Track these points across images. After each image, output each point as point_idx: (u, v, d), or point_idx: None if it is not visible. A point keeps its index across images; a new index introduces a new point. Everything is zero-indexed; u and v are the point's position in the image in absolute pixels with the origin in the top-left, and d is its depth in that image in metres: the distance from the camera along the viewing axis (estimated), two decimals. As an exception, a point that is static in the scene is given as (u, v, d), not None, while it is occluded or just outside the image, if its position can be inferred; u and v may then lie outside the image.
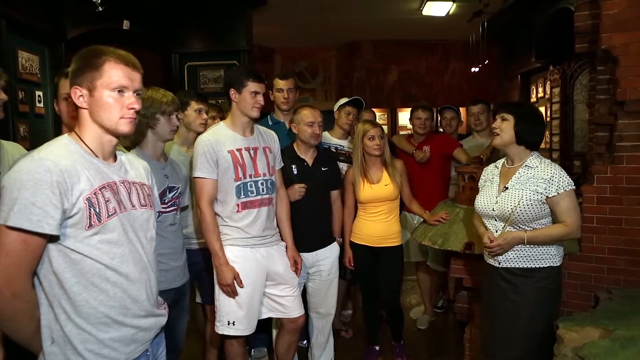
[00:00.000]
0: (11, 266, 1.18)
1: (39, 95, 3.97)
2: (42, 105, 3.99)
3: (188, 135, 2.68)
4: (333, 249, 2.81)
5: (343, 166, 3.11)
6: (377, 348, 3.12)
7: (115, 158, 1.41)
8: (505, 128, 2.07)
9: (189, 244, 2.52)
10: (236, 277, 2.23)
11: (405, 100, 8.27)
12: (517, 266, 2.06)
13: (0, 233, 1.17)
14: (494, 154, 3.17)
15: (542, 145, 5.84)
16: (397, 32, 7.46)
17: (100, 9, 4.21)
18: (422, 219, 2.93)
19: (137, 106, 1.33)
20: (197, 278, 2.62)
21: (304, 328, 2.62)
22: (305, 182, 2.68)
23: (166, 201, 2.13)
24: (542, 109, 6.07)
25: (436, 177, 3.45)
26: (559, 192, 1.99)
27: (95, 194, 1.26)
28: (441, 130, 3.91)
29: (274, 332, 2.78)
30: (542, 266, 2.04)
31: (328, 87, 8.85)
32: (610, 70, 2.48)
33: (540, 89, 6.34)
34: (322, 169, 2.78)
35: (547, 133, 6.01)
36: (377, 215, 2.88)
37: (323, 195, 2.83)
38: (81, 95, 1.30)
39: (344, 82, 8.65)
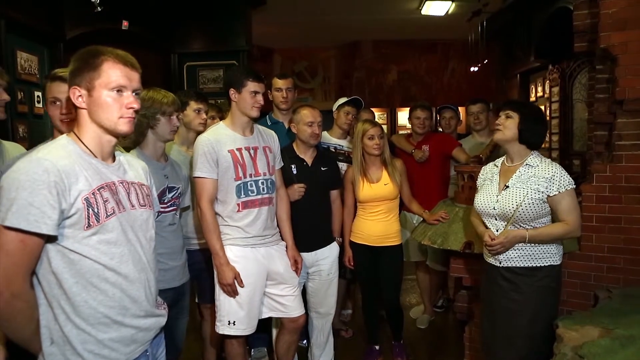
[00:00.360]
0: (10, 266, 1.18)
1: (37, 96, 3.97)
2: (41, 106, 3.99)
3: (188, 135, 2.69)
4: (333, 249, 2.82)
5: (342, 166, 3.11)
6: (377, 347, 3.12)
7: (114, 158, 1.41)
8: (509, 125, 2.07)
9: (189, 244, 2.53)
10: (237, 276, 2.23)
11: (405, 99, 8.27)
12: (517, 265, 2.06)
13: None
14: (493, 153, 3.17)
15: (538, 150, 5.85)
16: (396, 31, 7.46)
17: (99, 9, 4.21)
18: (422, 219, 2.94)
19: (136, 106, 1.33)
20: (196, 278, 2.62)
21: (303, 328, 2.62)
22: (305, 182, 2.68)
23: (165, 201, 2.13)
24: (542, 109, 6.07)
25: (435, 176, 3.45)
26: (560, 191, 1.99)
27: (93, 194, 1.26)
28: (440, 129, 3.91)
29: (274, 332, 2.78)
30: (542, 265, 2.05)
31: (327, 87, 8.85)
32: (609, 69, 2.48)
33: (540, 88, 6.34)
34: (322, 168, 2.78)
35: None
36: (376, 215, 2.89)
37: (322, 195, 2.83)
38: (80, 96, 1.30)
39: (343, 82, 8.65)
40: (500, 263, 2.10)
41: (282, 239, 2.49)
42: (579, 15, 2.69)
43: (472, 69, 7.33)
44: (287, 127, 3.02)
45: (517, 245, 2.05)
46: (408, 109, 3.79)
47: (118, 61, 1.31)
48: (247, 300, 2.27)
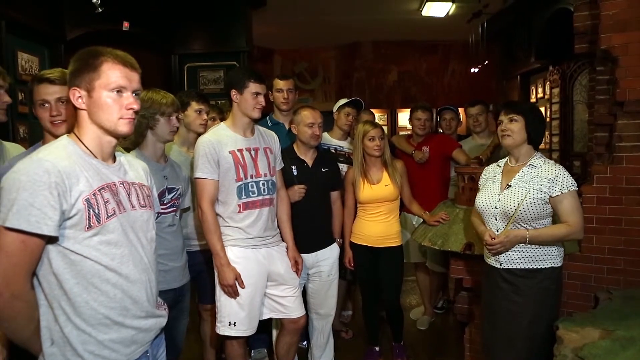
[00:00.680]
0: (10, 267, 1.18)
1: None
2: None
3: (188, 136, 2.68)
4: (333, 250, 2.81)
5: (343, 167, 3.11)
6: (377, 349, 3.12)
7: (114, 159, 1.41)
8: (516, 129, 2.06)
9: (189, 245, 2.53)
10: (237, 277, 2.23)
11: (405, 100, 8.27)
12: (518, 267, 2.06)
13: None
14: (493, 155, 3.18)
15: (542, 146, 5.85)
16: (396, 32, 7.46)
17: (99, 10, 4.21)
18: (422, 220, 2.94)
19: (136, 106, 1.33)
20: (196, 279, 2.62)
21: (304, 329, 2.62)
22: (305, 183, 2.68)
23: (165, 202, 2.13)
24: (541, 110, 6.07)
25: (436, 177, 3.45)
26: (563, 192, 1.99)
27: (94, 195, 1.26)
28: (440, 131, 3.91)
29: (274, 333, 2.78)
30: (543, 267, 2.04)
31: (328, 87, 8.85)
32: (609, 70, 2.48)
33: (540, 90, 6.34)
34: (322, 169, 2.78)
35: (546, 133, 6.01)
36: (377, 216, 2.89)
37: (323, 196, 2.83)
38: (80, 97, 1.30)
39: (343, 82, 8.65)
40: (501, 265, 2.10)
41: (283, 240, 2.49)
42: (579, 16, 2.69)
43: (472, 70, 7.34)
44: (287, 128, 3.02)
45: (517, 246, 2.05)
46: (408, 110, 3.79)
47: (118, 62, 1.31)
48: (247, 301, 2.27)
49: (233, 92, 2.29)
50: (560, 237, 2.04)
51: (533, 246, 2.04)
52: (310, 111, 2.70)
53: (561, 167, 2.06)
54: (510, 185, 2.08)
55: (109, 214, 1.29)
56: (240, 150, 2.29)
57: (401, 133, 7.02)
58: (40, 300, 1.26)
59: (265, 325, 2.69)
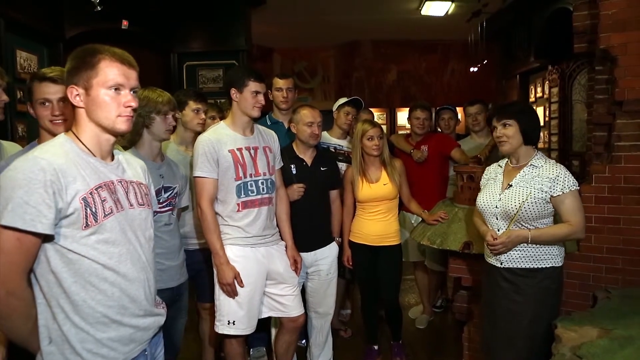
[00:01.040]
0: (6, 264, 1.18)
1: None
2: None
3: (186, 135, 2.68)
4: (332, 249, 2.82)
5: (342, 166, 3.11)
6: (376, 347, 3.12)
7: (112, 157, 1.41)
8: (511, 134, 2.06)
9: (188, 244, 2.53)
10: (237, 276, 2.23)
11: (405, 100, 8.27)
12: (519, 266, 2.06)
13: None
14: (492, 154, 3.18)
15: (541, 145, 5.85)
16: (396, 32, 7.45)
17: (98, 8, 4.20)
18: (421, 219, 2.94)
19: (134, 104, 1.33)
20: (195, 277, 2.62)
21: (303, 327, 2.62)
22: (304, 182, 2.68)
23: (161, 201, 2.12)
24: (540, 109, 6.08)
25: (434, 176, 3.45)
26: (564, 192, 1.99)
27: (91, 193, 1.26)
28: (439, 130, 3.91)
29: (273, 332, 2.78)
30: (544, 266, 2.04)
31: (327, 86, 8.84)
32: (608, 70, 2.48)
33: (539, 89, 6.34)
34: (321, 168, 2.78)
35: (545, 133, 6.01)
36: (375, 215, 2.89)
37: (322, 195, 2.83)
38: (77, 95, 1.30)
39: (343, 81, 8.64)
40: (501, 264, 2.10)
41: (282, 239, 2.49)
42: (578, 16, 2.69)
43: (471, 69, 7.34)
44: (287, 127, 3.02)
45: (519, 246, 2.05)
46: (407, 109, 3.79)
47: (115, 59, 1.30)
48: (246, 300, 2.27)
49: (233, 91, 2.28)
50: (561, 237, 2.04)
51: (534, 245, 2.04)
52: (310, 110, 2.70)
53: (562, 166, 2.06)
54: (511, 185, 2.08)
55: (106, 213, 1.29)
56: (239, 149, 2.29)
57: (400, 132, 7.03)
58: (38, 299, 1.26)
59: (264, 324, 2.69)
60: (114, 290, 1.30)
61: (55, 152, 1.25)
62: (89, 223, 1.25)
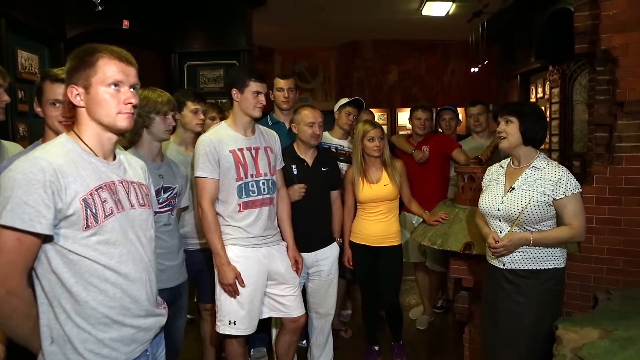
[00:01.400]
0: (6, 264, 1.18)
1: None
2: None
3: (185, 135, 2.67)
4: (333, 249, 2.82)
5: (343, 166, 3.11)
6: (377, 348, 3.12)
7: (114, 157, 1.41)
8: (510, 131, 2.06)
9: (189, 244, 2.52)
10: (238, 276, 2.23)
11: (405, 100, 8.28)
12: (521, 267, 2.06)
13: None
14: (494, 155, 3.18)
15: (542, 146, 5.85)
16: (397, 32, 7.45)
17: (99, 8, 4.20)
18: (422, 219, 2.94)
19: (134, 100, 1.33)
20: (196, 277, 2.62)
21: (303, 328, 2.62)
22: (305, 182, 2.68)
23: (160, 201, 2.12)
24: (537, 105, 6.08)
25: (435, 177, 3.45)
26: (566, 195, 1.98)
27: (91, 194, 1.26)
28: (440, 131, 3.91)
29: (274, 332, 2.78)
30: (546, 267, 2.04)
31: (328, 87, 8.85)
32: (609, 70, 2.48)
33: (540, 90, 6.34)
34: (322, 169, 2.78)
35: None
36: (376, 215, 2.89)
37: (323, 195, 2.83)
38: (78, 94, 1.30)
39: (343, 82, 8.64)
40: (504, 265, 2.09)
41: (283, 239, 2.49)
42: (579, 16, 2.69)
43: (472, 69, 7.34)
44: (288, 127, 3.02)
45: (521, 247, 2.04)
46: (408, 109, 3.80)
47: (113, 57, 1.30)
48: (247, 300, 2.27)
49: (234, 91, 2.28)
50: (563, 239, 2.04)
51: (536, 247, 2.04)
52: (311, 110, 2.70)
53: (565, 169, 2.05)
54: (513, 188, 2.07)
55: (107, 214, 1.29)
56: (240, 150, 2.29)
57: (401, 132, 7.03)
58: (40, 299, 1.26)
59: (264, 324, 2.69)
60: (116, 291, 1.30)
61: (56, 152, 1.25)
62: (90, 224, 1.25)
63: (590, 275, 2.43)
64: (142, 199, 1.42)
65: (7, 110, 1.88)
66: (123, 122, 1.32)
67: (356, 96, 3.37)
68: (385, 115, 8.42)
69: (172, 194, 2.20)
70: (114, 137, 1.37)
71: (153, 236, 1.46)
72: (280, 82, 3.12)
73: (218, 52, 5.50)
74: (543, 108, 6.08)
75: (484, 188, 2.25)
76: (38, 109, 1.76)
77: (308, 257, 2.67)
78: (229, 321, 2.27)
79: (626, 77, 2.36)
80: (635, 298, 2.15)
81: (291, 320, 2.45)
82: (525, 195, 2.02)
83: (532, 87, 6.61)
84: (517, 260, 2.06)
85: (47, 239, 1.22)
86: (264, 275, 2.33)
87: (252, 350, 3.08)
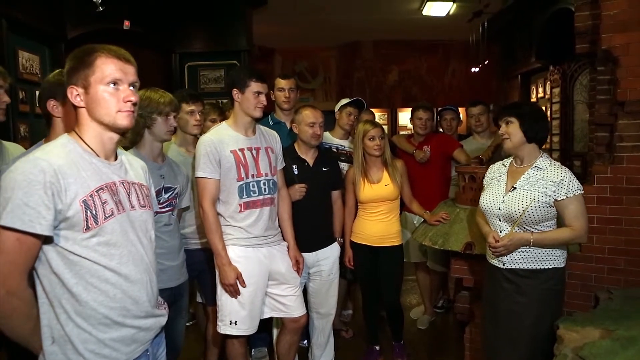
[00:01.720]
0: (6, 264, 1.18)
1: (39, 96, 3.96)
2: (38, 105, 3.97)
3: (186, 137, 2.66)
4: (334, 249, 2.82)
5: (344, 166, 3.12)
6: (378, 348, 3.12)
7: (116, 157, 1.41)
8: (512, 131, 2.06)
9: (190, 244, 2.52)
10: (239, 276, 2.23)
11: (406, 100, 8.28)
12: (521, 267, 2.05)
13: None
14: (495, 155, 3.18)
15: (543, 146, 5.84)
16: (397, 32, 7.46)
17: (100, 9, 4.20)
18: (423, 219, 2.94)
19: (134, 98, 1.33)
20: (198, 278, 2.62)
21: (304, 328, 2.62)
22: (306, 183, 2.68)
23: (161, 201, 2.12)
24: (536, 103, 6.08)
25: (436, 177, 3.46)
26: (568, 196, 1.98)
27: (91, 196, 1.26)
28: (441, 131, 3.91)
29: (275, 332, 2.78)
30: (547, 267, 2.04)
31: (328, 87, 8.85)
32: (610, 70, 2.48)
33: (541, 89, 6.33)
34: (323, 169, 2.78)
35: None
36: (377, 215, 2.89)
37: (324, 195, 2.83)
38: (77, 95, 1.30)
39: (344, 82, 8.65)
40: (504, 265, 2.09)
41: (284, 239, 2.49)
42: (580, 16, 2.69)
43: (472, 69, 7.34)
44: (289, 127, 3.02)
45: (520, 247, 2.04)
46: (409, 109, 3.80)
47: (111, 55, 1.30)
48: (248, 300, 2.27)
49: (235, 91, 2.29)
50: (564, 241, 2.04)
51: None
52: (312, 110, 2.70)
53: (567, 169, 2.04)
54: (515, 188, 2.07)
55: (107, 215, 1.29)
56: (241, 150, 2.29)
57: (401, 132, 7.03)
58: (41, 299, 1.26)
59: (266, 324, 2.69)
60: (116, 291, 1.30)
61: (56, 153, 1.26)
62: (90, 226, 1.25)
63: (592, 274, 2.43)
64: (142, 200, 1.42)
65: (7, 111, 1.87)
66: (123, 120, 1.32)
67: (356, 96, 3.38)
68: (386, 116, 8.42)
69: (173, 194, 2.20)
70: (115, 137, 1.36)
71: (154, 237, 1.46)
72: (282, 82, 3.12)
73: (218, 52, 5.51)
74: (544, 108, 6.07)
75: (485, 186, 2.24)
76: (55, 109, 1.72)
77: (309, 257, 2.67)
78: (230, 321, 2.27)
79: (627, 77, 2.36)
80: (637, 298, 2.15)
81: (292, 320, 2.45)
82: (526, 196, 2.02)
83: (533, 87, 6.61)
84: (517, 260, 2.06)
85: (48, 239, 1.22)
86: (265, 276, 2.33)
87: (253, 350, 3.08)
